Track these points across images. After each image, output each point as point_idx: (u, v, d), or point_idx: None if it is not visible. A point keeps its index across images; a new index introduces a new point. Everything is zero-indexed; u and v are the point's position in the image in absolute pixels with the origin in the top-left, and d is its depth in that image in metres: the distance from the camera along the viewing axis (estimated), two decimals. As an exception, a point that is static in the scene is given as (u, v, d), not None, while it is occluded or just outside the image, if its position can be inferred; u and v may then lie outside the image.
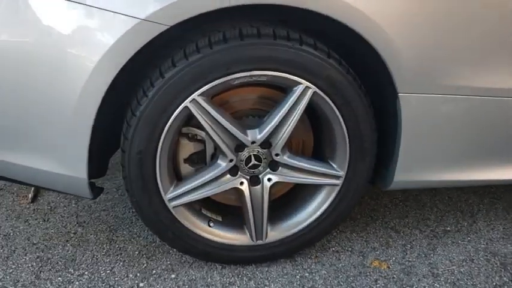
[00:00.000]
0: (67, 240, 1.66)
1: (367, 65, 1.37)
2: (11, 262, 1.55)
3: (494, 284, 1.52)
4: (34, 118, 1.26)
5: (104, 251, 1.62)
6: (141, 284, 1.48)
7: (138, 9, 1.15)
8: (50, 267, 1.54)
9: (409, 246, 1.70)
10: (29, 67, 1.21)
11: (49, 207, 1.85)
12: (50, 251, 1.61)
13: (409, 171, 1.50)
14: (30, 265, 1.54)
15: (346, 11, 1.22)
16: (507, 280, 1.53)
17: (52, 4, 1.18)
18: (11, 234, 1.69)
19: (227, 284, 1.49)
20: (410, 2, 1.27)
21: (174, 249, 1.61)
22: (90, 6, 1.17)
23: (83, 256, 1.59)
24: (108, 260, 1.57)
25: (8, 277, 1.49)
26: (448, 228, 1.80)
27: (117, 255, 1.60)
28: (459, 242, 1.73)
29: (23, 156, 1.33)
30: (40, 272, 1.51)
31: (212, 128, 1.33)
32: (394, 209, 1.92)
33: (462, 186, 1.90)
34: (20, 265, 1.54)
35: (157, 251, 1.62)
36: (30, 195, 1.91)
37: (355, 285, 1.50)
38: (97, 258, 1.58)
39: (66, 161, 1.31)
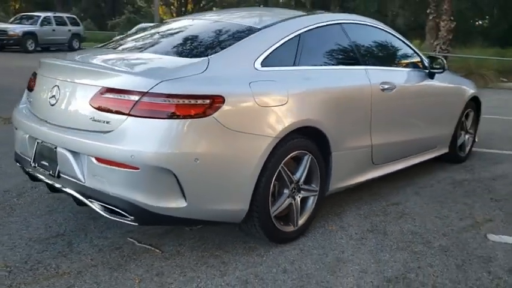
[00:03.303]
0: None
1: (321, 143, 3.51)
2: None
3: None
4: (231, 182, 2.88)
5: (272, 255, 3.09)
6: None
7: (272, 131, 2.97)
8: None
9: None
10: (228, 166, 2.87)
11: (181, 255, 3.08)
12: None
13: (335, 183, 3.69)
14: None
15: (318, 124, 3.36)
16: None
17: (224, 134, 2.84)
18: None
19: (291, 252, 3.26)
20: (333, 115, 3.49)
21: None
22: (246, 133, 2.89)
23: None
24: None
25: None
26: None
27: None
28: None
29: (218, 202, 2.85)
30: None
31: (288, 175, 3.19)
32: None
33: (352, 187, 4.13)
34: None
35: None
36: (156, 249, 3.07)
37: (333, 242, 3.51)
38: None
39: (243, 200, 2.92)
